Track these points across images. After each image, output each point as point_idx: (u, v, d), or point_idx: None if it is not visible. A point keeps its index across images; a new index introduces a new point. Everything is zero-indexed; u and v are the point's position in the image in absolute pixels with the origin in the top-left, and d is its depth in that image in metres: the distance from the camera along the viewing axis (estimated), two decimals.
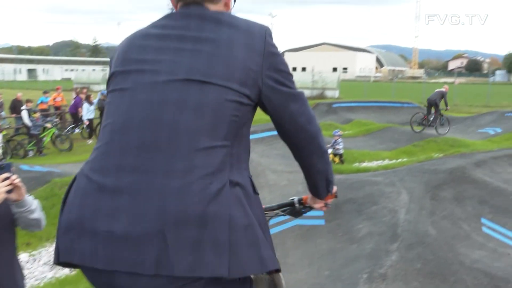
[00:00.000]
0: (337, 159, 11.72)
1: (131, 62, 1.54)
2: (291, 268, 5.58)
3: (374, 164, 11.82)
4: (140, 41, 1.57)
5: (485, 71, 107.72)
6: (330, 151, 11.65)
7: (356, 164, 11.66)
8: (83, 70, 68.25)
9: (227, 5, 1.67)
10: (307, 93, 37.85)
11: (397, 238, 5.72)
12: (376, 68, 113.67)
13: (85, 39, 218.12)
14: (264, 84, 1.54)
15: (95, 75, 51.74)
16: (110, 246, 1.36)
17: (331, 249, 5.95)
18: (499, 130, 18.50)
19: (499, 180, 9.07)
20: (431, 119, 17.05)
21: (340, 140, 11.86)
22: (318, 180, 1.82)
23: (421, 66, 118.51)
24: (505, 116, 20.88)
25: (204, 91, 1.44)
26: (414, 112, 25.12)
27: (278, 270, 1.62)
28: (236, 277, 1.41)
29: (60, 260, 1.49)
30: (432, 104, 17.26)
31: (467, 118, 22.13)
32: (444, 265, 5.09)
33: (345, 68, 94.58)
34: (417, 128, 16.89)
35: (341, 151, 11.82)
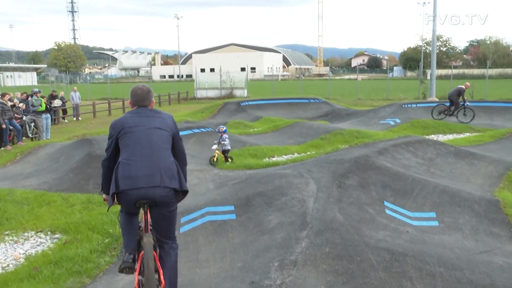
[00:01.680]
0: (223, 156, 11.62)
1: (130, 123, 3.95)
2: (203, 264, 5.50)
3: (283, 158, 12.04)
4: (131, 118, 4.01)
5: (384, 68, 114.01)
6: (215, 147, 11.58)
7: (266, 160, 11.80)
8: None
9: (152, 106, 4.17)
10: (215, 93, 37.97)
11: (306, 226, 5.83)
12: (284, 67, 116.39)
13: None
14: (175, 131, 4.12)
15: None
16: (144, 178, 3.73)
17: (243, 242, 5.94)
18: (398, 120, 19.70)
19: (399, 165, 9.61)
20: (452, 109, 19.43)
21: (225, 136, 11.74)
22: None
23: (326, 64, 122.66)
24: (403, 107, 22.28)
25: (162, 131, 3.98)
26: (320, 107, 26.06)
27: (187, 191, 4.10)
28: (180, 189, 3.94)
29: (120, 190, 3.75)
30: (450, 99, 19.70)
31: (370, 111, 23.31)
32: (351, 247, 5.28)
33: (253, 68, 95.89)
34: (438, 117, 19.39)
35: (228, 147, 11.68)
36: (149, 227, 3.93)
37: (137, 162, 3.79)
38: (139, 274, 3.89)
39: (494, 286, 4.77)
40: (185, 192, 4.06)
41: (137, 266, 3.93)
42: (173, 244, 4.07)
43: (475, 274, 4.96)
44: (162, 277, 3.84)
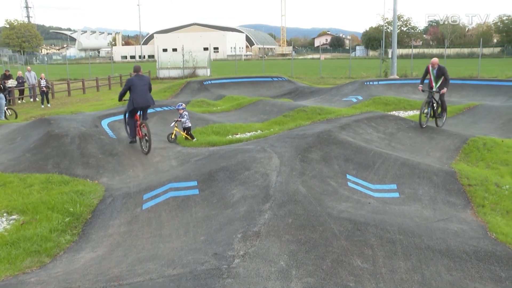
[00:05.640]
0: (184, 133, 11.56)
1: (135, 82, 10.20)
2: (166, 239, 5.45)
3: (247, 135, 12.02)
4: (136, 80, 10.27)
5: (347, 47, 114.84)
6: (173, 124, 11.61)
7: (229, 137, 11.75)
8: None
9: (141, 72, 10.56)
10: (178, 72, 37.39)
11: (269, 199, 5.85)
12: (247, 47, 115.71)
13: None
14: (149, 83, 10.63)
15: None
16: (141, 104, 10.28)
17: (206, 216, 5.91)
18: (360, 97, 19.88)
19: (361, 140, 9.75)
20: None
21: (185, 113, 11.73)
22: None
23: (289, 43, 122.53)
24: (365, 85, 22.49)
25: (145, 85, 10.42)
26: (283, 85, 26.04)
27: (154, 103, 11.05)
28: (152, 104, 10.75)
29: (134, 106, 10.18)
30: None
31: (333, 89, 23.45)
32: (313, 218, 5.32)
33: (216, 48, 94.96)
34: None
35: (189, 124, 11.66)
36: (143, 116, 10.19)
37: (138, 98, 9.87)
38: (142, 137, 10.30)
39: (449, 250, 4.93)
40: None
41: (138, 134, 10.37)
42: (146, 120, 10.18)
43: (433, 240, 5.10)
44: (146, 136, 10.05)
